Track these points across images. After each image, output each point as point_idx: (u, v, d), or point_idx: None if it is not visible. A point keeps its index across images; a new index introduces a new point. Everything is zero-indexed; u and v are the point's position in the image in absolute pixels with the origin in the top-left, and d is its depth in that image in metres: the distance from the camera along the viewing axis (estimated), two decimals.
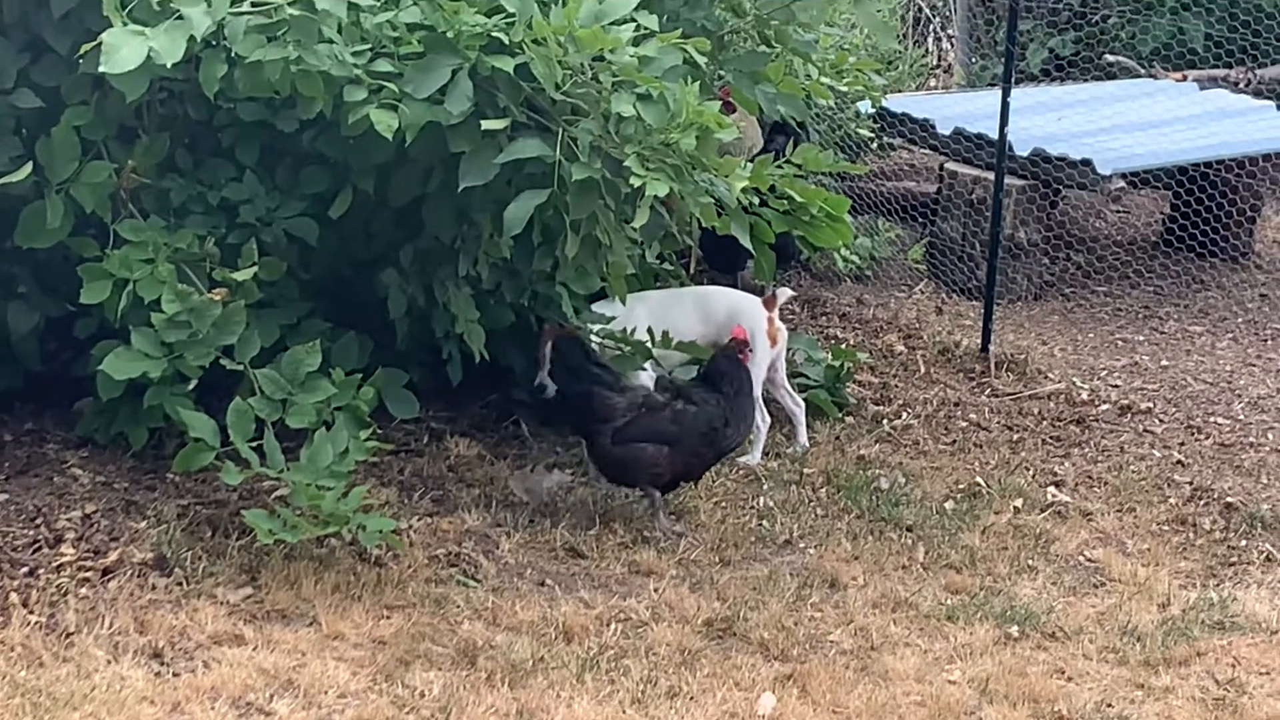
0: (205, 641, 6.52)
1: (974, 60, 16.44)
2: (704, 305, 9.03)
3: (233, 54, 6.50)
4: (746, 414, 8.18)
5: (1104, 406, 9.85)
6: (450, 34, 6.67)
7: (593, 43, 6.56)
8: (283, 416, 7.28)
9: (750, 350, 8.26)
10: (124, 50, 6.28)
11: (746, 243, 7.44)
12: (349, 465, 7.18)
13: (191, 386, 7.32)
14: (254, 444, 7.12)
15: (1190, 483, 8.85)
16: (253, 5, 6.50)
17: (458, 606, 7.03)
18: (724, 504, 8.25)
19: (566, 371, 8.13)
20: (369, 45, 6.70)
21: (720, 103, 7.10)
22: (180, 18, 6.36)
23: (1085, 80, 14.44)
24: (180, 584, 6.88)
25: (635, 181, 6.61)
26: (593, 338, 8.45)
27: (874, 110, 12.18)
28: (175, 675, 6.28)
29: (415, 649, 6.62)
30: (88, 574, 6.86)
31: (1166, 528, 8.41)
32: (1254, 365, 10.68)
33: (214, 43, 6.55)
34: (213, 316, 7.22)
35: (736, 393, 8.04)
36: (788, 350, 9.56)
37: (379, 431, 7.58)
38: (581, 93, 6.75)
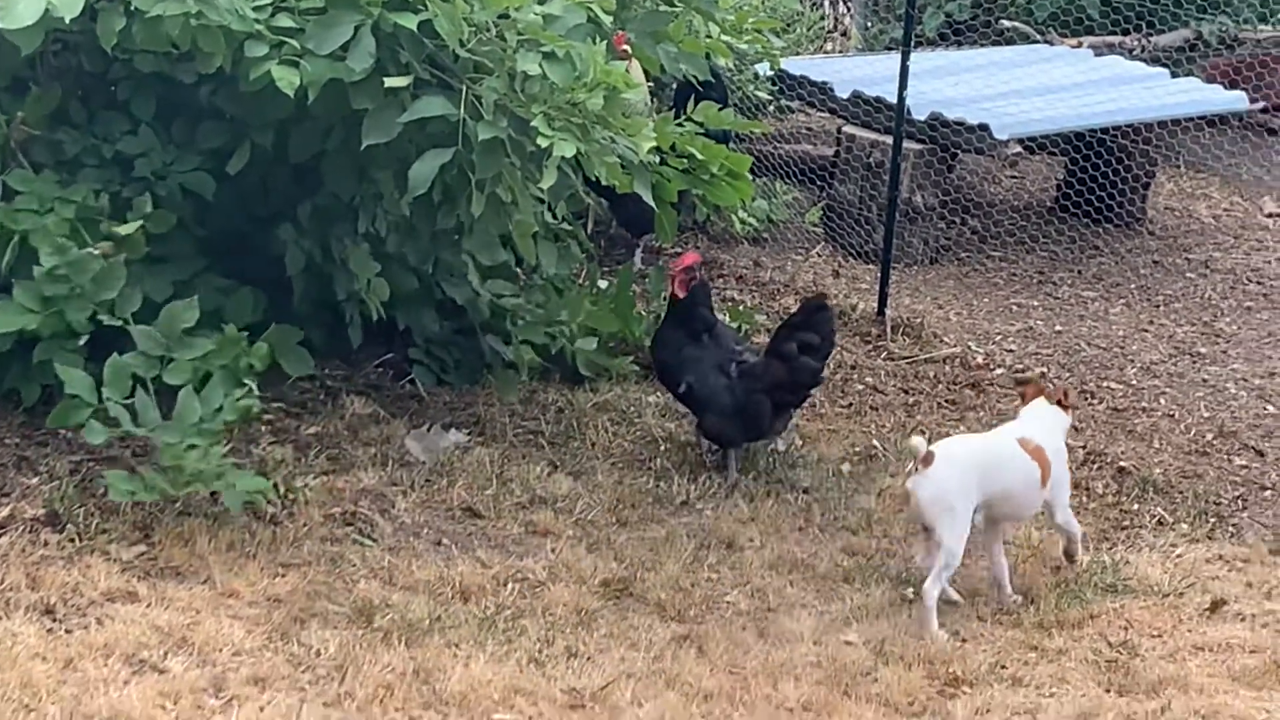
0: (98, 598, 6.44)
1: (870, 24, 16.46)
2: None
3: (132, 7, 6.41)
4: None
5: (998, 371, 9.91)
6: None
7: (498, 0, 6.50)
8: (160, 374, 7.19)
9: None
10: (21, 5, 6.19)
11: (650, 200, 7.42)
12: (219, 424, 7.07)
13: (83, 342, 7.23)
14: (130, 401, 7.03)
15: (1084, 447, 8.91)
16: None
17: (354, 565, 7.00)
18: (621, 465, 8.24)
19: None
20: (270, 0, 6.62)
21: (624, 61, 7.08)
22: None
23: (981, 46, 14.50)
24: (73, 540, 6.80)
25: (543, 142, 6.57)
26: None
27: (773, 72, 12.17)
28: (68, 632, 6.20)
29: (311, 607, 6.58)
30: None
31: None
32: (1146, 331, 10.77)
33: None
34: (92, 271, 7.13)
35: None
36: None
37: (262, 395, 7.50)
38: (486, 50, 6.70)
